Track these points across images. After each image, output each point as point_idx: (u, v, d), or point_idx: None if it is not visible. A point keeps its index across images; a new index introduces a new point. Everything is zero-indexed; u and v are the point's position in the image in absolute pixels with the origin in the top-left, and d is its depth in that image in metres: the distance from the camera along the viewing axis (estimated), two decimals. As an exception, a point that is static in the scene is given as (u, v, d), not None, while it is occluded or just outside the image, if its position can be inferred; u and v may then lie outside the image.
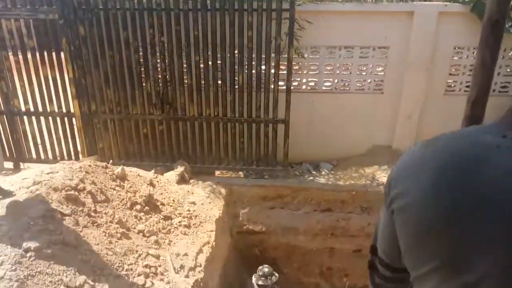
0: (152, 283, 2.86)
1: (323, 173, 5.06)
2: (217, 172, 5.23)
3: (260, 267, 4.27)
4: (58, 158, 5.00)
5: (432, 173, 0.76)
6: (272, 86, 4.56)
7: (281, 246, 4.95)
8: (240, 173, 5.17)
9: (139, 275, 2.82)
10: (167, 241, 3.52)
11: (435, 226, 0.75)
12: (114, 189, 3.55)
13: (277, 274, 4.31)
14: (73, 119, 4.97)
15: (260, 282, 4.16)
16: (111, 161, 4.20)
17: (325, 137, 5.18)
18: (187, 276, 3.23)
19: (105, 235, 2.95)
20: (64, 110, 4.95)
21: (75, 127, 5.04)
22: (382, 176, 4.88)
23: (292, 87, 4.58)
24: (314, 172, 5.08)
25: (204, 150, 5.00)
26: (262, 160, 4.96)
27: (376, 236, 1.04)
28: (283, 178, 4.92)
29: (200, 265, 3.52)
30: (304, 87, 5.13)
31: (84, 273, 2.43)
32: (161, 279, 3.00)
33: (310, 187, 4.73)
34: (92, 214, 3.06)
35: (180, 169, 4.77)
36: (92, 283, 2.42)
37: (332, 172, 5.09)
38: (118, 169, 3.75)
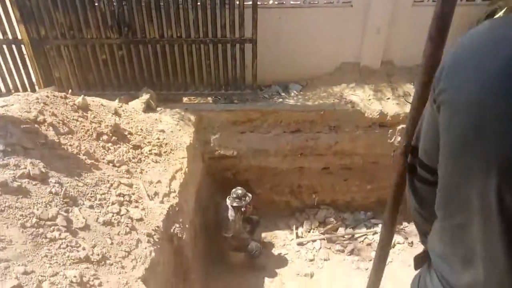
0: (127, 211, 2.89)
1: (292, 94, 5.03)
2: (185, 99, 5.08)
3: (234, 190, 4.41)
4: (12, 91, 4.64)
5: (501, 62, 0.66)
6: (238, 2, 4.26)
7: (253, 169, 5.08)
8: (209, 98, 5.06)
9: (113, 203, 2.82)
10: (138, 170, 3.49)
11: (493, 123, 0.67)
12: (77, 120, 3.38)
13: (250, 195, 4.48)
14: (22, 46, 4.53)
15: (234, 204, 4.33)
16: (70, 91, 3.94)
17: (293, 57, 5.05)
18: (162, 202, 3.28)
19: (73, 167, 2.87)
20: (10, 37, 4.47)
21: (26, 56, 4.62)
22: (350, 94, 4.92)
23: (258, 2, 4.29)
24: (283, 94, 5.04)
25: (169, 76, 4.78)
26: (230, 84, 4.83)
27: (419, 136, 0.96)
28: (252, 101, 4.87)
29: (174, 191, 3.57)
30: (271, 1, 4.84)
31: (55, 205, 2.40)
32: (136, 206, 3.03)
33: (279, 109, 4.72)
34: (56, 146, 2.93)
35: (145, 97, 4.59)
36: (65, 214, 2.40)
37: (301, 92, 5.07)
38: (79, 99, 3.54)
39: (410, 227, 5.33)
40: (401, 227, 5.33)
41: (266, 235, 5.26)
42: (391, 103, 4.78)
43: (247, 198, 4.39)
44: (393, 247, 5.02)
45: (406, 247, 5.06)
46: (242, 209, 4.44)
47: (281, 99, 4.94)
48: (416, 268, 1.13)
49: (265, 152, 4.92)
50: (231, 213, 4.32)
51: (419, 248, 5.02)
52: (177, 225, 3.23)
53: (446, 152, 0.79)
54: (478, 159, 0.70)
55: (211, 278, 4.46)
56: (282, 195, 5.42)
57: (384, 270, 1.51)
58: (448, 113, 0.75)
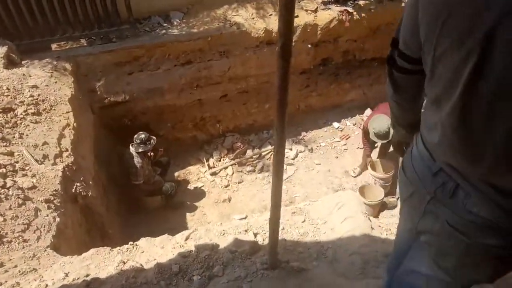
0: (14, 182, 2.57)
1: (175, 23, 4.72)
2: (54, 46, 4.44)
3: (136, 135, 4.19)
4: None
5: None
6: None
7: (150, 110, 4.85)
8: (82, 41, 4.49)
9: (-6, 177, 2.48)
10: (16, 135, 3.07)
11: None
12: None
13: (154, 138, 4.32)
14: None
15: (140, 150, 4.15)
16: None
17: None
18: (54, 164, 2.98)
19: None
20: None
21: None
22: (233, 15, 4.80)
23: None
24: (165, 25, 4.70)
25: (27, 21, 4.06)
26: (103, 21, 4.31)
27: (399, 28, 1.03)
28: (133, 37, 4.46)
29: (67, 150, 3.25)
30: None
31: None
32: (24, 175, 2.71)
33: (164, 42, 4.43)
34: None
35: (2, 50, 3.87)
36: None
37: (184, 20, 4.78)
38: None
39: (308, 135, 5.81)
40: (300, 137, 5.76)
41: (179, 174, 5.25)
42: (274, 20, 4.80)
43: (152, 141, 4.23)
44: (297, 157, 5.46)
45: (307, 154, 5.54)
46: (150, 153, 4.30)
47: (164, 31, 4.61)
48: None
49: (159, 90, 4.68)
50: (137, 160, 4.15)
51: (317, 153, 5.56)
52: (78, 184, 3.01)
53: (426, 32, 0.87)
54: (451, 37, 0.79)
55: (131, 227, 4.39)
56: (186, 131, 5.35)
57: (283, 173, 1.61)
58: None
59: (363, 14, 5.19)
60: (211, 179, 5.17)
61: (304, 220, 2.68)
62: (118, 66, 4.39)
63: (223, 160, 5.41)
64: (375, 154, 5.06)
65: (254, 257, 2.08)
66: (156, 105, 4.80)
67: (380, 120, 4.11)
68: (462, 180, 0.90)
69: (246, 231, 2.42)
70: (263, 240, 2.34)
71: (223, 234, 2.37)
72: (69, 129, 3.46)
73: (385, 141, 4.26)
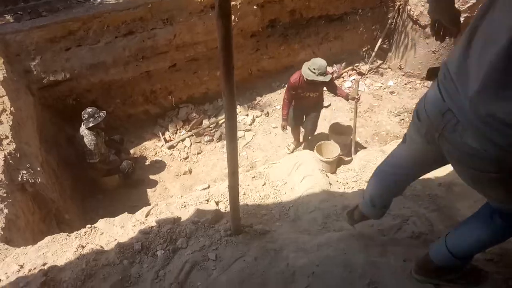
0: (-51, 176, 2.37)
1: (111, -8, 4.39)
2: (-26, 25, 4.00)
3: (83, 112, 3.96)
4: None
5: None
6: None
7: (95, 87, 4.58)
8: (8, 17, 4.07)
9: None
10: None
11: None
12: None
13: (104, 111, 4.10)
14: None
15: (90, 124, 3.92)
16: None
17: None
18: (-6, 153, 2.77)
19: None
20: None
21: None
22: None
23: None
24: (100, -6, 4.36)
25: None
26: (28, -7, 3.92)
27: None
28: (65, 10, 4.11)
29: (7, 137, 3.02)
30: None
31: None
32: (-40, 168, 2.50)
33: (101, 13, 4.11)
34: None
35: None
36: None
37: (120, -12, 4.45)
38: None
39: (263, 100, 5.79)
40: (256, 102, 5.73)
41: (135, 150, 5.09)
42: (218, -19, 4.59)
43: (101, 114, 4.01)
44: (254, 122, 5.46)
45: (264, 118, 5.54)
46: (102, 132, 4.12)
47: (99, 0, 4.28)
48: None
49: (102, 65, 4.40)
50: (91, 138, 3.94)
51: (273, 116, 5.57)
52: (25, 172, 2.83)
53: None
54: None
55: (91, 211, 4.25)
56: (137, 106, 5.14)
57: (237, 138, 1.58)
58: None
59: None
60: (169, 153, 5.07)
61: (265, 183, 2.71)
62: (52, 42, 4.05)
63: (180, 132, 5.30)
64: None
65: (217, 225, 2.08)
66: (102, 81, 4.53)
67: (316, 60, 4.03)
68: (462, 117, 1.09)
69: (207, 200, 2.42)
70: (226, 207, 2.35)
71: (185, 206, 2.35)
72: (6, 115, 3.21)
73: (327, 80, 4.04)
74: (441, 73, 1.18)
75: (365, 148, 4.99)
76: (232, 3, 4.65)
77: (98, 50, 4.28)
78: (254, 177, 2.76)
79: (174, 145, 5.13)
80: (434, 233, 2.25)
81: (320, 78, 3.94)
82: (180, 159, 5.02)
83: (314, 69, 3.94)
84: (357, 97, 4.23)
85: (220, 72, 1.24)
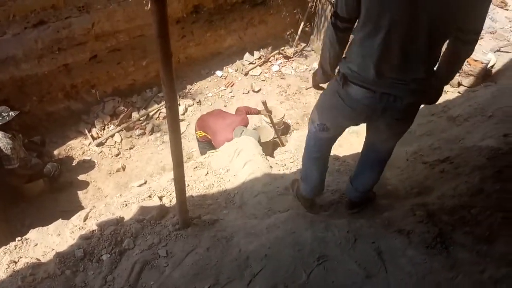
0: None
1: (13, -23, 3.91)
2: None
3: (-12, 113, 3.53)
4: None
5: None
6: None
7: (6, 84, 4.11)
8: None
9: None
10: None
11: None
12: None
13: (16, 111, 3.70)
14: None
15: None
16: None
17: None
18: None
19: None
20: None
21: None
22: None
23: None
24: (0, -21, 3.86)
25: None
26: None
27: (337, 4, 1.48)
28: (-42, -2, 3.58)
29: None
30: None
31: None
32: None
33: (4, 1, 3.66)
34: None
35: None
36: None
37: (24, -27, 3.98)
38: None
39: (194, 88, 5.69)
40: (186, 90, 5.61)
41: (59, 151, 4.69)
42: (136, -35, 4.34)
43: (11, 113, 3.61)
44: (186, 111, 5.35)
45: (196, 107, 5.46)
46: (19, 135, 3.71)
47: (-1, -13, 3.79)
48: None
49: (12, 59, 3.95)
50: (6, 141, 3.53)
51: (205, 105, 5.51)
52: None
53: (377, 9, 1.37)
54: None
55: (15, 221, 3.86)
56: (57, 103, 4.72)
57: (180, 129, 1.54)
58: None
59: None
60: (98, 151, 4.76)
61: (207, 173, 2.69)
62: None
63: (108, 128, 4.99)
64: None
65: (164, 220, 2.03)
66: (13, 77, 4.07)
67: (251, 133, 3.69)
68: (395, 91, 1.55)
69: (150, 196, 2.33)
70: (170, 201, 2.29)
71: (126, 205, 2.24)
72: None
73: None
74: (351, 76, 1.58)
75: (297, 129, 5.18)
76: (154, -12, 4.43)
77: (5, 43, 3.82)
78: (196, 167, 2.72)
79: (103, 142, 4.82)
80: (368, 201, 2.45)
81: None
82: (112, 156, 4.75)
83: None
84: (268, 114, 4.37)
85: (158, 61, 1.20)
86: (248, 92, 5.83)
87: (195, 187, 2.53)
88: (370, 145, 1.98)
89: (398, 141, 1.90)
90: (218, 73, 5.96)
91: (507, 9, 4.91)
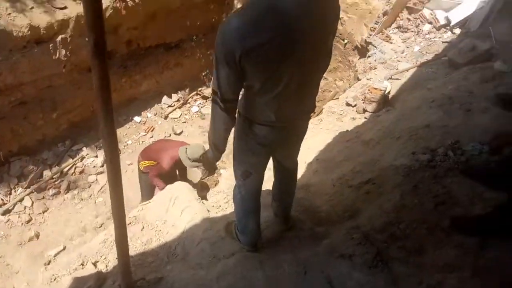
0: None
1: None
2: None
3: None
4: None
5: (272, 26, 1.30)
6: None
7: None
8: None
9: None
10: None
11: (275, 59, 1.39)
12: None
13: None
14: None
15: None
16: None
17: None
18: None
19: None
20: None
21: None
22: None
23: None
24: None
25: None
26: None
27: (220, 85, 1.46)
28: None
29: None
30: None
31: None
32: None
33: None
34: None
35: None
36: None
37: None
38: None
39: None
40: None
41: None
42: (37, 13, 4.08)
43: None
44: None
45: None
46: None
47: None
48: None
49: None
50: None
51: (126, 153, 5.25)
52: None
53: (258, 75, 1.44)
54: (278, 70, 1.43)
55: None
56: None
57: (121, 184, 1.44)
58: (254, 59, 1.35)
59: (137, 0, 5.03)
60: (5, 219, 4.18)
61: (143, 227, 2.54)
62: None
63: (15, 191, 4.44)
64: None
65: (103, 289, 1.85)
66: None
67: (194, 148, 3.87)
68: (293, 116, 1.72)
69: (82, 264, 2.11)
70: (106, 266, 2.10)
71: (55, 279, 1.99)
72: None
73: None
74: (253, 119, 1.68)
75: (224, 168, 5.20)
76: (62, 36, 4.22)
77: None
78: (130, 223, 2.54)
79: (10, 208, 4.27)
80: (307, 230, 2.53)
81: (193, 164, 3.84)
82: (22, 224, 4.21)
83: (189, 155, 3.79)
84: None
85: (99, 114, 1.15)
86: (170, 135, 5.73)
87: (132, 245, 2.36)
88: (278, 163, 2.15)
89: (298, 155, 2.17)
90: (137, 118, 5.79)
91: (391, 43, 5.61)
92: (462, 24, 5.24)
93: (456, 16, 5.25)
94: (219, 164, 5.31)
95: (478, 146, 2.68)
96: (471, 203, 2.23)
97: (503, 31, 4.63)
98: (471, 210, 2.16)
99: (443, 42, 5.18)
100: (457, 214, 2.16)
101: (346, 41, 5.94)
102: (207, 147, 2.04)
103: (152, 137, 5.61)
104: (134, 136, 5.55)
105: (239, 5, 5.74)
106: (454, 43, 4.95)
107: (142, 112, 5.94)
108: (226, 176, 4.08)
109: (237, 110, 1.70)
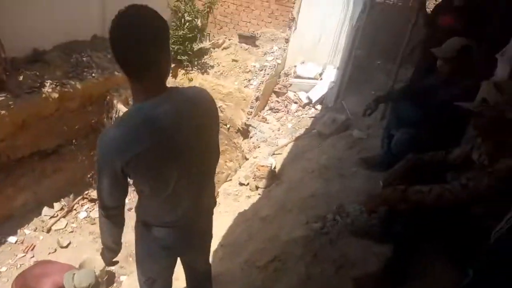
0: None
1: None
2: None
3: None
4: None
5: (149, 136, 1.35)
6: None
7: None
8: None
9: None
10: None
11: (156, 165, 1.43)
12: None
13: None
14: None
15: None
16: None
17: None
18: None
19: None
20: None
21: None
22: None
23: None
24: None
25: None
26: None
27: (101, 193, 1.47)
28: None
29: None
30: None
31: None
32: None
33: None
34: None
35: None
36: None
37: None
38: None
39: None
40: None
41: None
42: None
43: None
44: None
45: None
46: None
47: None
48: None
49: None
50: None
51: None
52: None
53: (144, 180, 1.48)
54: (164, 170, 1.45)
55: None
56: None
57: None
58: (135, 168, 1.38)
59: (2, 112, 4.69)
60: None
61: None
62: None
63: None
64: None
65: None
66: None
67: (83, 274, 3.55)
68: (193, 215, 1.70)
69: None
70: None
71: None
72: None
73: None
74: (150, 221, 1.68)
75: (125, 274, 4.77)
76: None
77: None
78: None
79: None
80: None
81: None
82: None
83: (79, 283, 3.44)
84: None
85: None
86: (55, 250, 5.09)
87: None
88: (188, 267, 2.13)
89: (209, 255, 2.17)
90: (12, 239, 5.04)
91: (268, 123, 6.25)
92: (321, 101, 6.19)
93: (315, 95, 6.20)
94: (117, 270, 4.86)
95: (358, 207, 3.05)
96: (365, 261, 2.48)
97: (353, 104, 5.61)
98: (368, 267, 2.40)
99: (310, 117, 5.99)
100: (357, 274, 2.38)
101: (228, 125, 6.41)
102: (100, 268, 1.94)
103: (33, 256, 4.91)
104: (9, 261, 4.77)
105: (119, 105, 5.78)
106: (319, 118, 5.76)
107: (19, 230, 5.21)
108: (127, 284, 3.74)
109: (135, 214, 1.70)
